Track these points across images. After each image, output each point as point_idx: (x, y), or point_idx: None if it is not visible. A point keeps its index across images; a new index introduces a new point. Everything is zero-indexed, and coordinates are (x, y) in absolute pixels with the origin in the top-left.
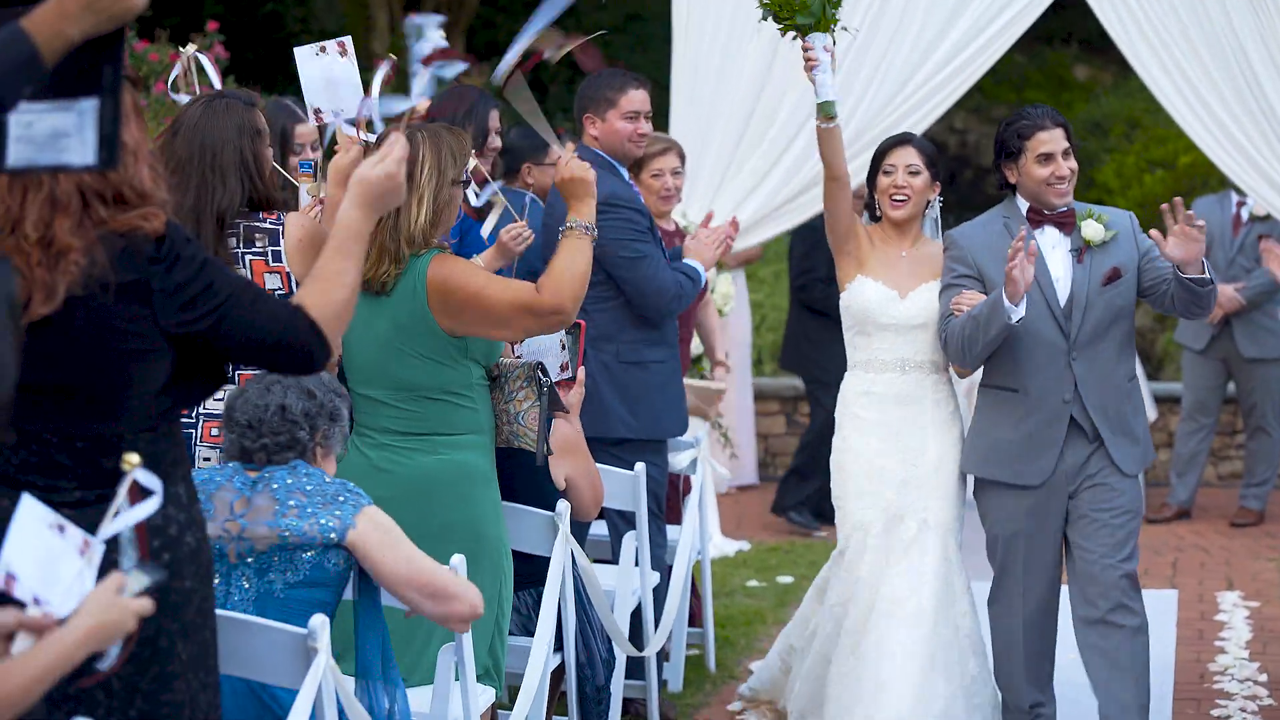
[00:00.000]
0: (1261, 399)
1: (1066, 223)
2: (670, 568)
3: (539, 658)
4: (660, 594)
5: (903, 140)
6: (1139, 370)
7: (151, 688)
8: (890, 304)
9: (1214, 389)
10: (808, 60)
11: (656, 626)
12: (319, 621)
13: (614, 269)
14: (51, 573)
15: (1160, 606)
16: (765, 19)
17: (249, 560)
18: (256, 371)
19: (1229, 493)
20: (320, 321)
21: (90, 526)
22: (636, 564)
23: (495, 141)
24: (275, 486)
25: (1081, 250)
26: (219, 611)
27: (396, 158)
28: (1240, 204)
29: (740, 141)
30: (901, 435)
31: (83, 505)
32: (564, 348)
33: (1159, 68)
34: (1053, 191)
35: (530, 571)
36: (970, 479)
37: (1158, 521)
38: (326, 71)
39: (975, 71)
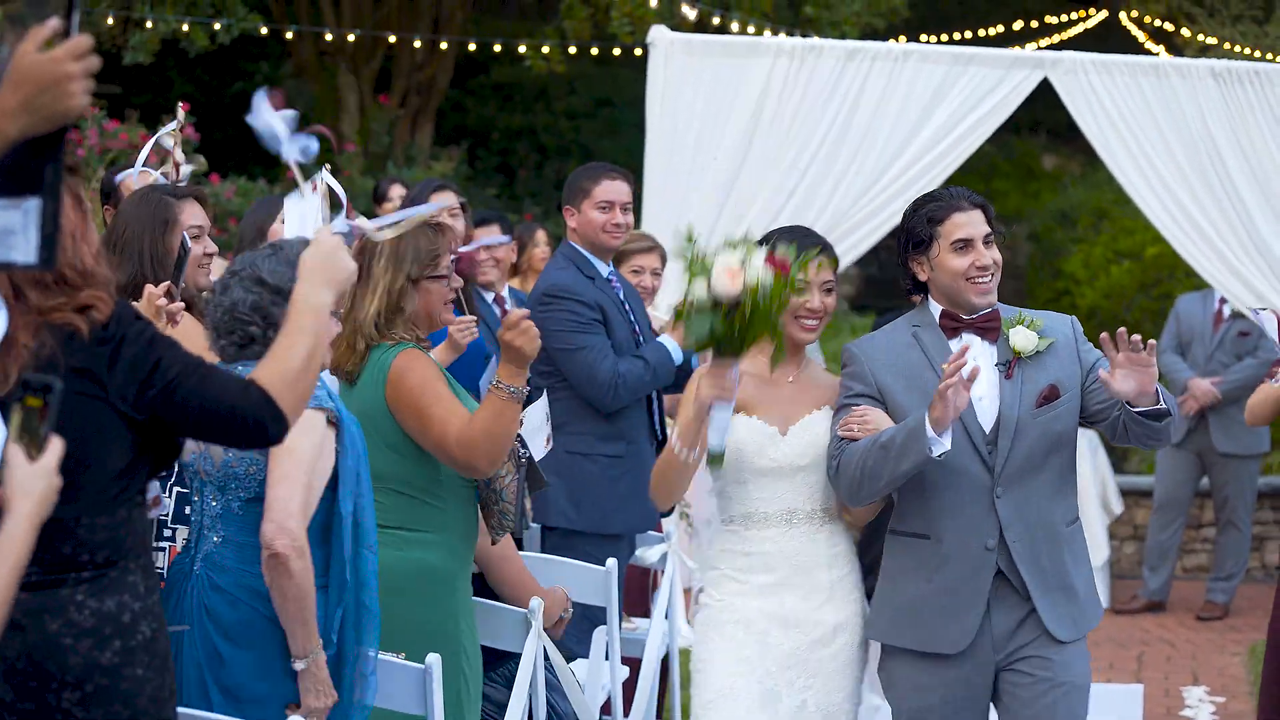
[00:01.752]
0: (1234, 494)
1: (990, 329)
2: (639, 660)
3: None
4: (629, 687)
5: (823, 252)
6: (1092, 483)
7: None
8: (769, 443)
9: (1186, 482)
10: (711, 391)
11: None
12: None
13: (555, 360)
14: None
15: (1126, 701)
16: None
17: (213, 476)
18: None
19: (1194, 585)
20: (272, 392)
21: (44, 608)
22: (606, 658)
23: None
24: None
25: (1010, 364)
26: (195, 712)
27: (325, 239)
28: (1222, 300)
29: (710, 234)
30: (787, 604)
31: (39, 588)
32: (548, 419)
33: (1127, 158)
34: (973, 288)
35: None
36: (875, 648)
37: (1125, 613)
38: (302, 207)
39: (951, 164)
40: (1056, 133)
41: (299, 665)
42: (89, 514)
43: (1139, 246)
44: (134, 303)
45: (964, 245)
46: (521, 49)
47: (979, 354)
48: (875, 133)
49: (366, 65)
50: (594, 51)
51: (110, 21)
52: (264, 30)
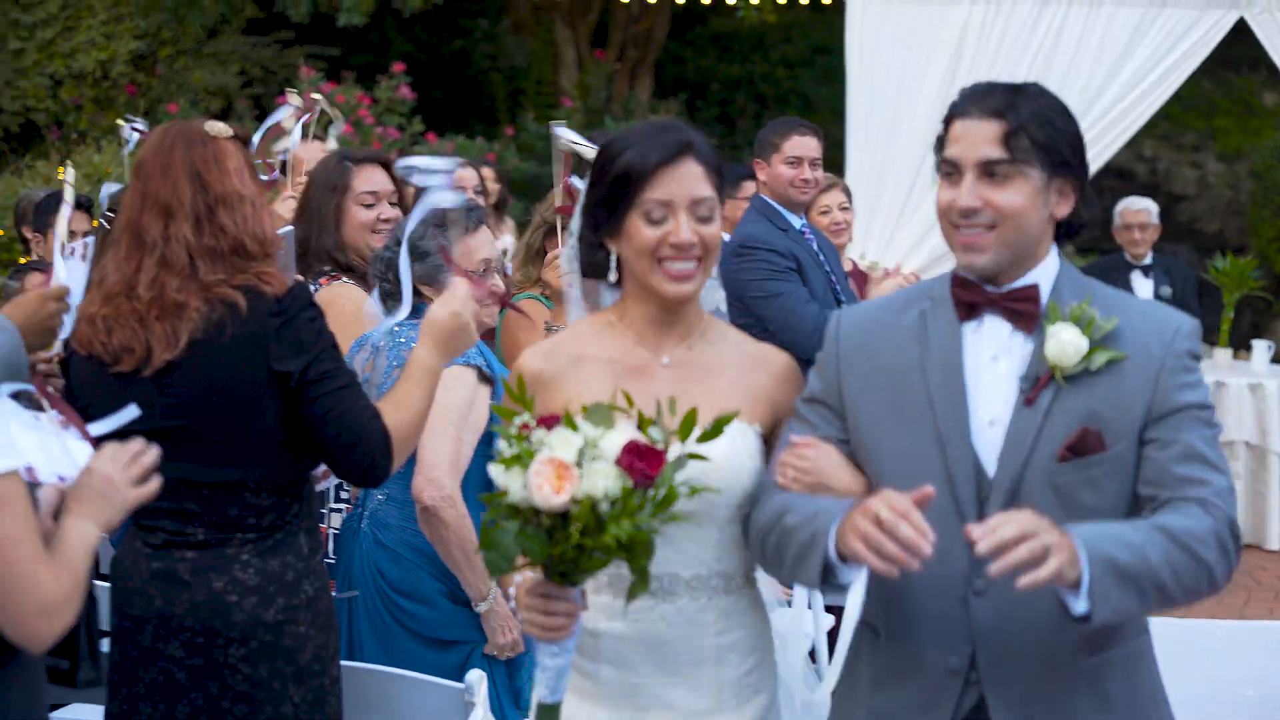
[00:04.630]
0: None
1: (1023, 314)
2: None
3: None
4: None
5: (681, 152)
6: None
7: None
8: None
9: None
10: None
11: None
12: (475, 676)
13: (754, 309)
14: (50, 453)
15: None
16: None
17: None
18: None
19: None
20: (390, 432)
21: (209, 567)
22: (809, 606)
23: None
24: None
25: (1039, 381)
26: (375, 666)
27: (460, 296)
28: None
29: (915, 182)
30: (652, 712)
31: (205, 547)
32: None
33: None
34: (956, 234)
35: None
36: None
37: None
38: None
39: (1150, 106)
40: (1276, 70)
41: (481, 608)
42: (253, 477)
43: None
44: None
45: (952, 170)
46: (731, 0)
47: (1001, 348)
48: (1073, 76)
49: (583, 20)
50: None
51: None
52: None
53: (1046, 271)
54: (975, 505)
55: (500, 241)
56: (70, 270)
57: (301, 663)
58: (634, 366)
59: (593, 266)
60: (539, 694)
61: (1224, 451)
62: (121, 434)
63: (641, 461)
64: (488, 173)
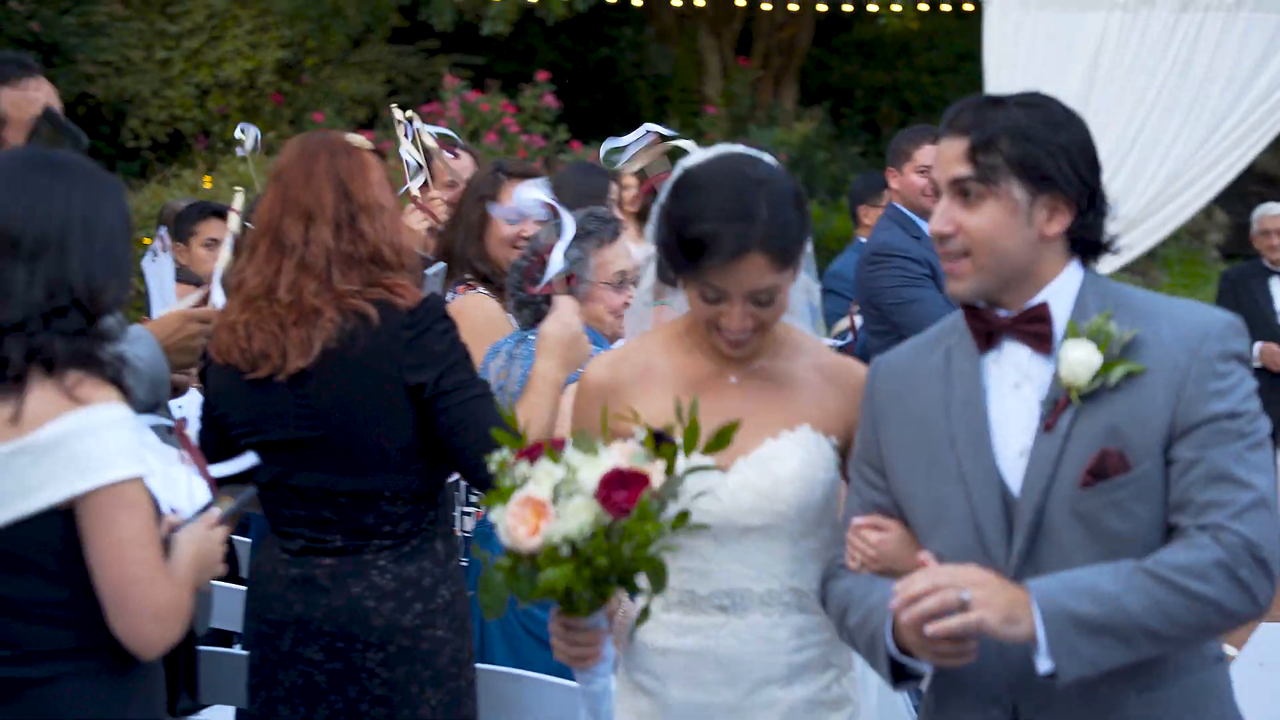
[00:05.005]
0: None
1: (1041, 335)
2: None
3: None
4: None
5: (743, 249)
6: None
7: None
8: (701, 484)
9: None
10: None
11: None
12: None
13: (890, 315)
14: (172, 484)
15: None
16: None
17: None
18: None
19: None
20: None
21: (347, 572)
22: None
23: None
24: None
25: (1058, 404)
26: (507, 669)
27: (567, 309)
28: None
29: None
30: None
31: (342, 553)
32: None
33: None
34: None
35: None
36: None
37: None
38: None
39: None
40: None
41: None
42: (390, 487)
43: None
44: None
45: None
46: (872, 7)
47: (1023, 375)
48: (1210, 82)
49: (727, 27)
50: (944, 6)
51: None
52: None
53: (1061, 289)
54: (1003, 543)
55: (643, 249)
56: (159, 267)
57: (438, 666)
58: (700, 382)
59: (664, 276)
60: None
61: None
62: (261, 445)
63: (621, 491)
64: (630, 180)
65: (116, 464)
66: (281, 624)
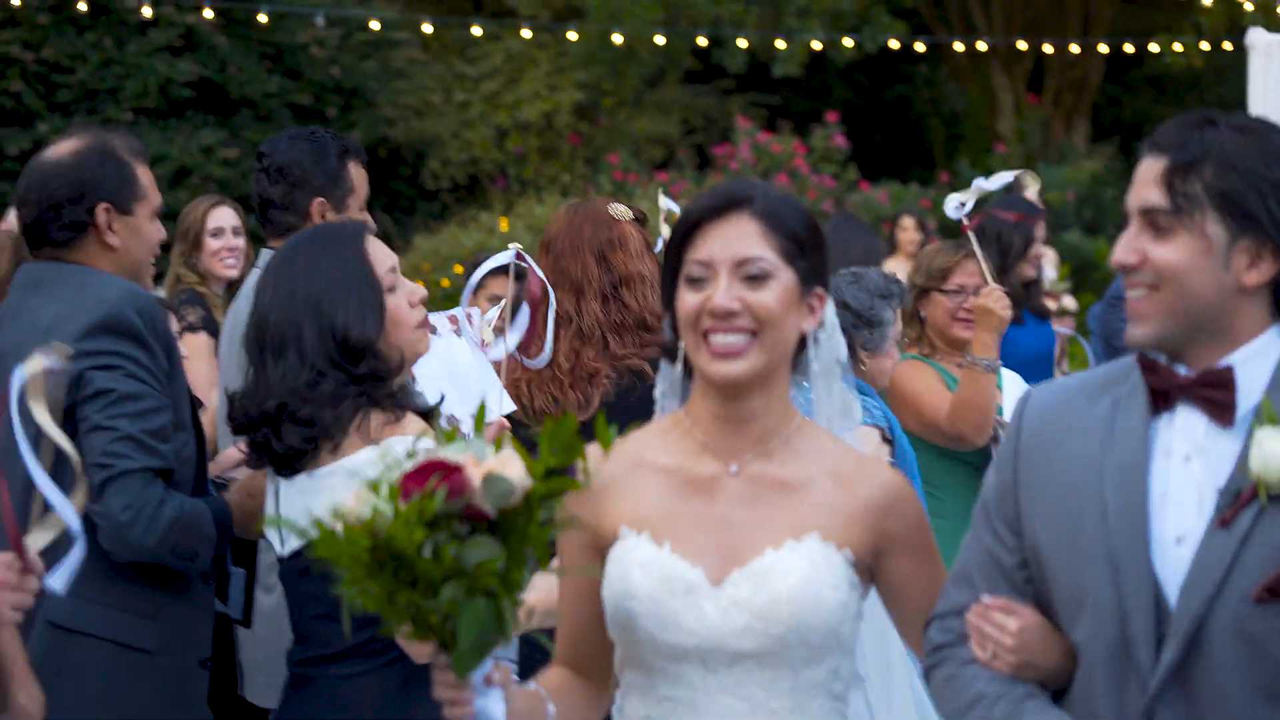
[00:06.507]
0: None
1: (1220, 403)
2: None
3: None
4: None
5: (731, 204)
6: None
7: None
8: (688, 598)
9: None
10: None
11: None
12: None
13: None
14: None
15: None
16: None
17: None
18: None
19: None
20: None
21: None
22: None
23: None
24: None
25: (1240, 497)
26: None
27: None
28: None
29: None
30: None
31: None
32: None
33: None
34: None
35: None
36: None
37: None
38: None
39: None
40: None
41: None
42: None
43: None
44: None
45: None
46: (1154, 47)
47: (1195, 448)
48: None
49: (1018, 65)
50: (1226, 45)
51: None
52: (893, 44)
53: (1258, 354)
54: (1151, 644)
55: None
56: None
57: None
58: (697, 477)
59: (667, 350)
60: None
61: None
62: None
63: (415, 478)
64: (908, 222)
65: None
66: None
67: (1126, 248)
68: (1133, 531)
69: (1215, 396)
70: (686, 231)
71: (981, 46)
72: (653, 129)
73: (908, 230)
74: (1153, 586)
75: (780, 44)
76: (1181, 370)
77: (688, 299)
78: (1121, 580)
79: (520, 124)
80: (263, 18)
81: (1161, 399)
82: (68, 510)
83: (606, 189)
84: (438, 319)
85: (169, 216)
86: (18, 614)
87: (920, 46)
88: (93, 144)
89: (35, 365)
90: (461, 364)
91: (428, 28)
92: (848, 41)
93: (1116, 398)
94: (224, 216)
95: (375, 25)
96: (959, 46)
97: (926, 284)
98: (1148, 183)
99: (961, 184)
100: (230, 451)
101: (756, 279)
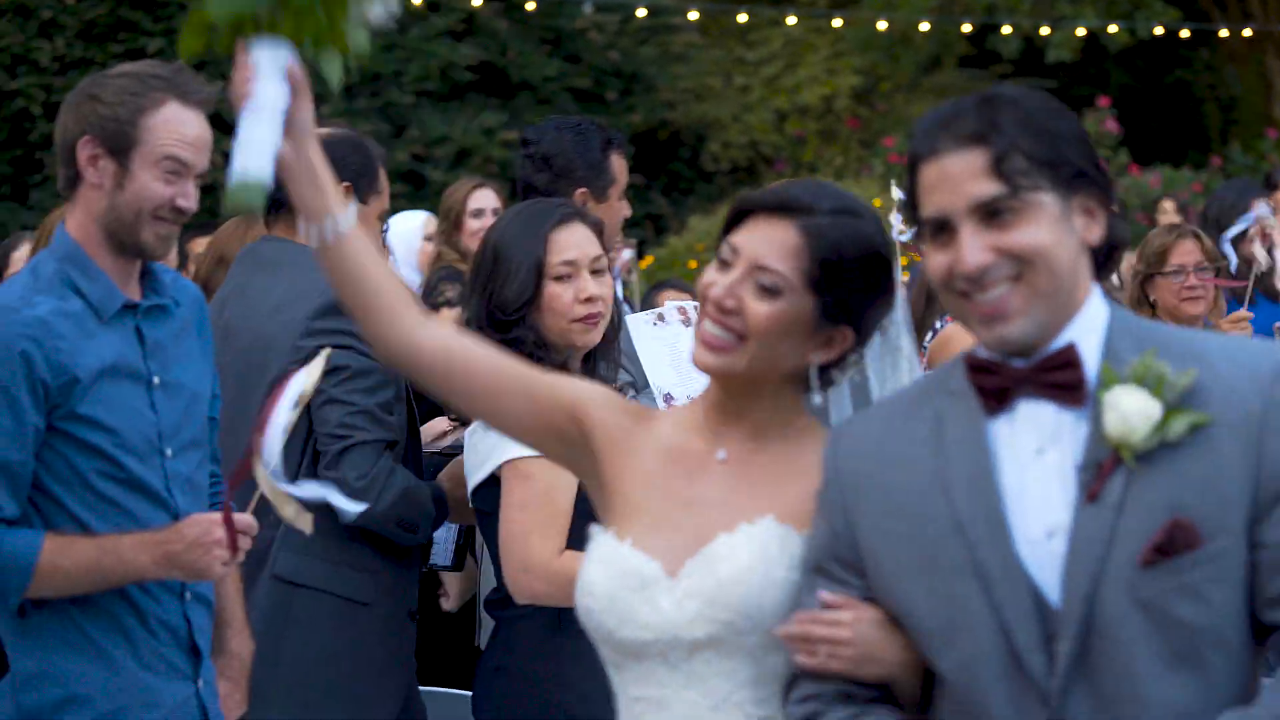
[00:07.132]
0: None
1: (1068, 385)
2: None
3: None
4: None
5: (784, 209)
6: None
7: None
8: (643, 591)
9: None
10: None
11: None
12: None
13: None
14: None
15: None
16: None
17: None
18: None
19: None
20: None
21: None
22: None
23: None
24: None
25: (1102, 467)
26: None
27: None
28: None
29: None
30: None
31: None
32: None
33: None
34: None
35: None
36: None
37: None
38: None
39: None
40: None
41: None
42: None
43: None
44: None
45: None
46: None
47: (1047, 438)
48: None
49: None
50: None
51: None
52: (1157, 30)
53: (1089, 324)
54: (1042, 649)
55: None
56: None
57: None
58: (684, 456)
59: None
60: (238, 166)
61: None
62: None
63: None
64: (1168, 205)
65: (512, 447)
66: None
67: (974, 249)
68: (995, 539)
69: (1061, 379)
70: (738, 215)
71: (1247, 32)
72: None
73: (1167, 214)
74: (1029, 589)
75: (1044, 30)
76: (1017, 363)
77: (706, 275)
78: (994, 591)
79: (799, 108)
80: (529, 5)
81: (994, 399)
82: (331, 494)
83: (879, 172)
84: (668, 309)
85: None
86: (228, 569)
87: (1185, 33)
88: (345, 134)
89: (314, 372)
90: (684, 352)
91: (693, 15)
92: (1112, 28)
93: (938, 411)
94: (485, 198)
95: (641, 12)
96: (1224, 33)
97: (1149, 270)
98: (971, 176)
99: (1233, 169)
100: (437, 422)
101: (766, 290)
